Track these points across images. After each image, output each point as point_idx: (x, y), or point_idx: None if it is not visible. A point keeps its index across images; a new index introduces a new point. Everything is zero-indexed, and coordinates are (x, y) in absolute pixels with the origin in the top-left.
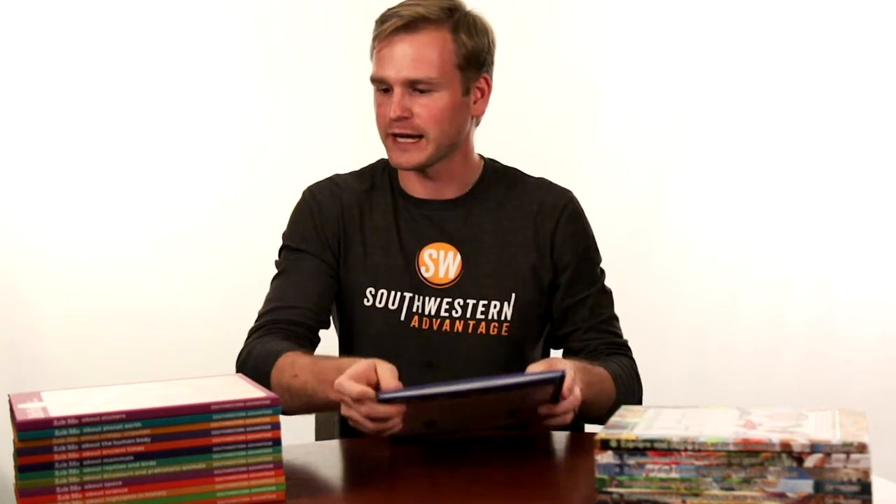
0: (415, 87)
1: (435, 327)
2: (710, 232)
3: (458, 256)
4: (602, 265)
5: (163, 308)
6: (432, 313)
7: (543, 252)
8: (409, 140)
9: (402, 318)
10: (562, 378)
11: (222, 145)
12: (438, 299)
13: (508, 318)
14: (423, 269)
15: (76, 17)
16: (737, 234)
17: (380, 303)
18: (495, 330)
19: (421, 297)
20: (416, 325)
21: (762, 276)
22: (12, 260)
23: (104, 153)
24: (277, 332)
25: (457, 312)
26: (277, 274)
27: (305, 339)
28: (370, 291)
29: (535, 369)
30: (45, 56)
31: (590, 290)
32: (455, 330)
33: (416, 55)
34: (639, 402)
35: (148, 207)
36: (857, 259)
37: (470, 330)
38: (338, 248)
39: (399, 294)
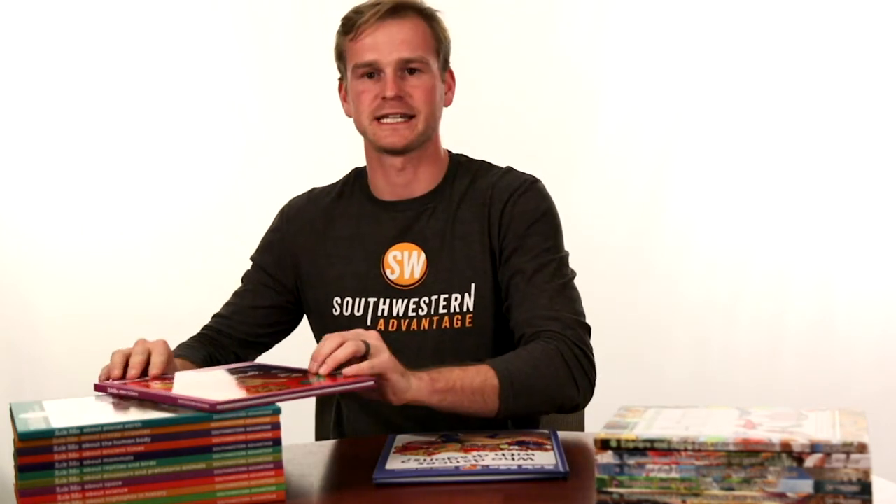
0: (406, 67)
1: (403, 328)
2: (710, 232)
3: (423, 255)
4: (573, 266)
5: (163, 308)
6: (400, 315)
7: (494, 234)
8: (401, 120)
9: (368, 323)
10: (564, 475)
11: (222, 146)
12: (405, 300)
13: (470, 308)
14: (388, 272)
15: (76, 17)
16: (737, 234)
17: (346, 311)
18: (459, 322)
19: (387, 300)
20: (382, 328)
21: (762, 276)
22: (12, 260)
23: (104, 153)
24: (202, 338)
25: (422, 311)
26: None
27: (230, 352)
28: (337, 301)
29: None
30: (45, 56)
31: (528, 266)
32: (422, 328)
33: (407, 37)
34: (568, 384)
35: (148, 208)
36: (856, 259)
37: (435, 326)
38: (294, 265)
39: (363, 300)
